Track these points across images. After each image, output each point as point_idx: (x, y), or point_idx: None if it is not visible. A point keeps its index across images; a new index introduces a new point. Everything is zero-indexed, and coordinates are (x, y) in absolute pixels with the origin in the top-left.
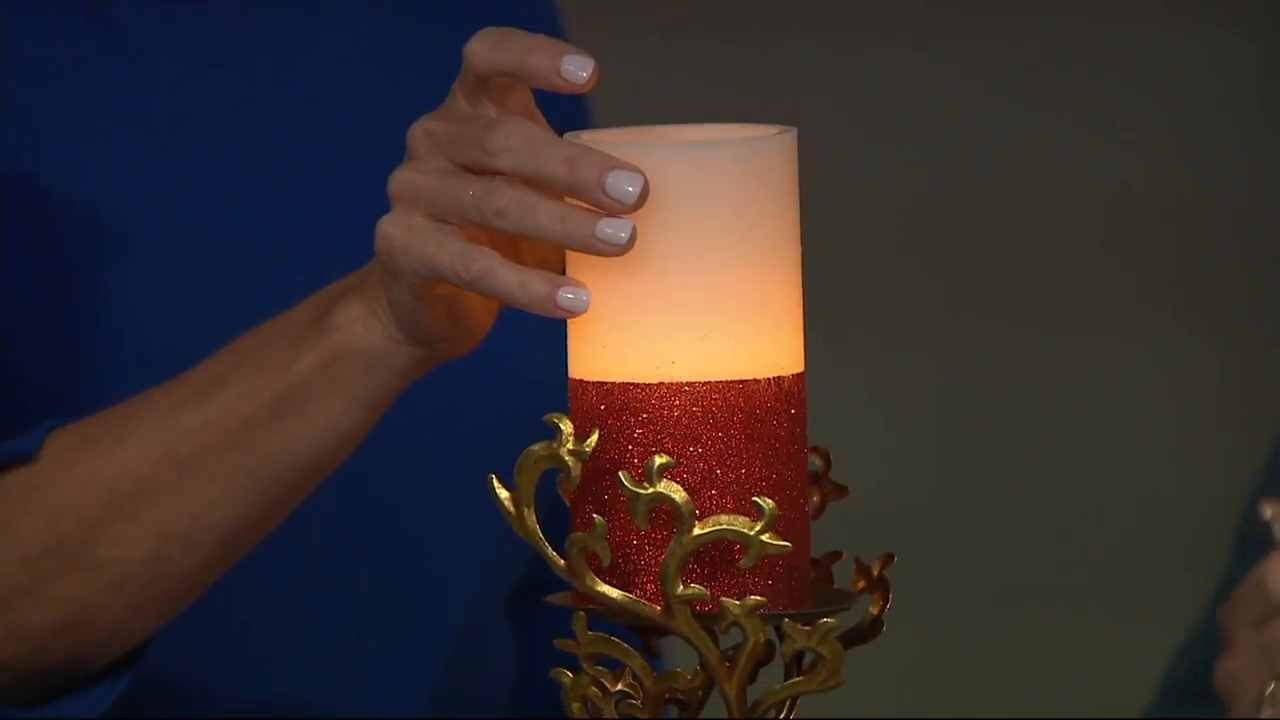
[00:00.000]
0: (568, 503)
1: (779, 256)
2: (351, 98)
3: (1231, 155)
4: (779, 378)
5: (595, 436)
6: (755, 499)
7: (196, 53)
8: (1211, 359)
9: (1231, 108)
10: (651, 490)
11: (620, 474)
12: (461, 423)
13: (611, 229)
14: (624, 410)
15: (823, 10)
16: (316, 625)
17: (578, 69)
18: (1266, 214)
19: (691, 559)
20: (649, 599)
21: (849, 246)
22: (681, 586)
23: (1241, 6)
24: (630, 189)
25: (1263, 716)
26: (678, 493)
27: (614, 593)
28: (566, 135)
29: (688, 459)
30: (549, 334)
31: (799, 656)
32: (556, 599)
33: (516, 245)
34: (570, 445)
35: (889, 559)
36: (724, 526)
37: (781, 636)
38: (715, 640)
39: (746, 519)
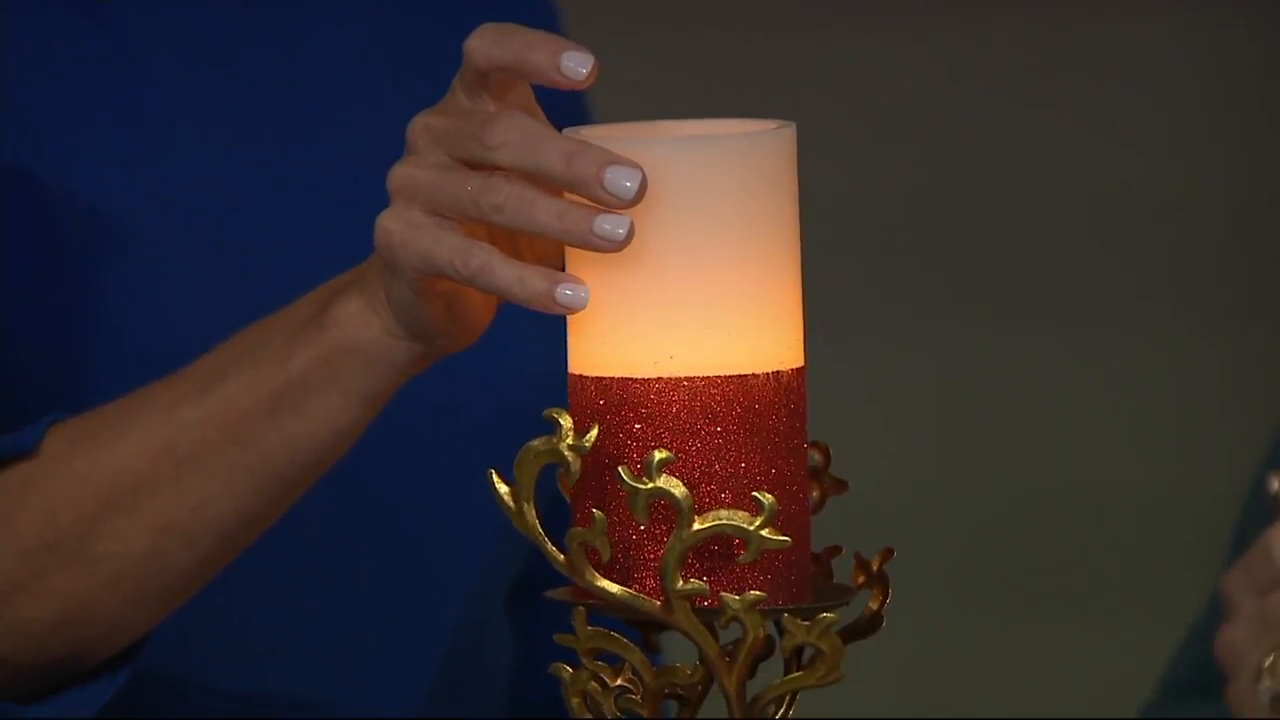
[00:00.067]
0: (567, 498)
1: (778, 251)
2: (351, 96)
3: (1231, 152)
4: (778, 373)
5: (595, 431)
6: (755, 494)
7: (196, 51)
8: (1211, 355)
9: (1231, 104)
10: (651, 485)
11: (620, 469)
12: (460, 418)
13: (609, 225)
14: (623, 405)
15: (822, 5)
16: (315, 620)
17: (577, 65)
18: (1266, 211)
19: (691, 554)
20: (649, 594)
21: (848, 242)
22: (681, 581)
23: (1241, 2)
24: (628, 184)
25: (1262, 686)
26: (677, 488)
27: (614, 588)
28: (565, 131)
29: (687, 454)
30: (548, 330)
31: (799, 651)
32: (556, 594)
33: (515, 241)
34: (570, 440)
35: (888, 554)
36: (724, 521)
37: (781, 631)
38: (715, 635)
39: (746, 514)
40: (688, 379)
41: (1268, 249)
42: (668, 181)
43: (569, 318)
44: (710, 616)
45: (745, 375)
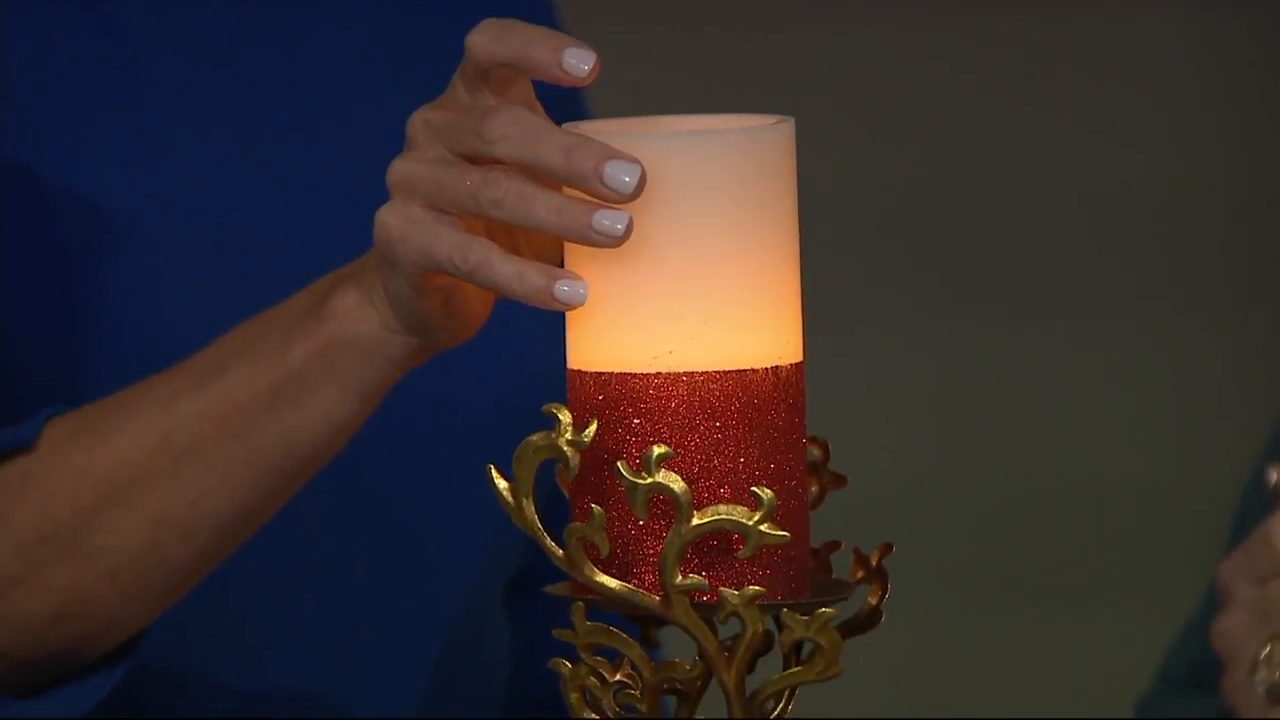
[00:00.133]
0: (566, 493)
1: (777, 246)
2: (351, 93)
3: (1229, 148)
4: (777, 368)
5: (594, 427)
6: (754, 489)
7: (196, 48)
8: (1209, 349)
9: (1230, 101)
10: (650, 480)
11: (619, 464)
12: (457, 414)
13: (608, 220)
14: (622, 400)
15: (822, 1)
16: (312, 615)
17: (579, 62)
18: (1265, 206)
19: (690, 549)
20: (648, 589)
21: (847, 237)
22: (680, 576)
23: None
24: (627, 179)
25: (1258, 678)
26: (676, 483)
27: (613, 583)
28: (565, 125)
29: (686, 449)
30: (545, 326)
31: (798, 646)
32: (555, 589)
33: (514, 236)
34: (569, 435)
35: (887, 549)
36: (723, 516)
37: (780, 626)
38: (714, 630)
39: (745, 509)
40: (686, 374)
41: (1266, 243)
42: (667, 176)
43: (568, 313)
44: (709, 611)
45: (744, 370)
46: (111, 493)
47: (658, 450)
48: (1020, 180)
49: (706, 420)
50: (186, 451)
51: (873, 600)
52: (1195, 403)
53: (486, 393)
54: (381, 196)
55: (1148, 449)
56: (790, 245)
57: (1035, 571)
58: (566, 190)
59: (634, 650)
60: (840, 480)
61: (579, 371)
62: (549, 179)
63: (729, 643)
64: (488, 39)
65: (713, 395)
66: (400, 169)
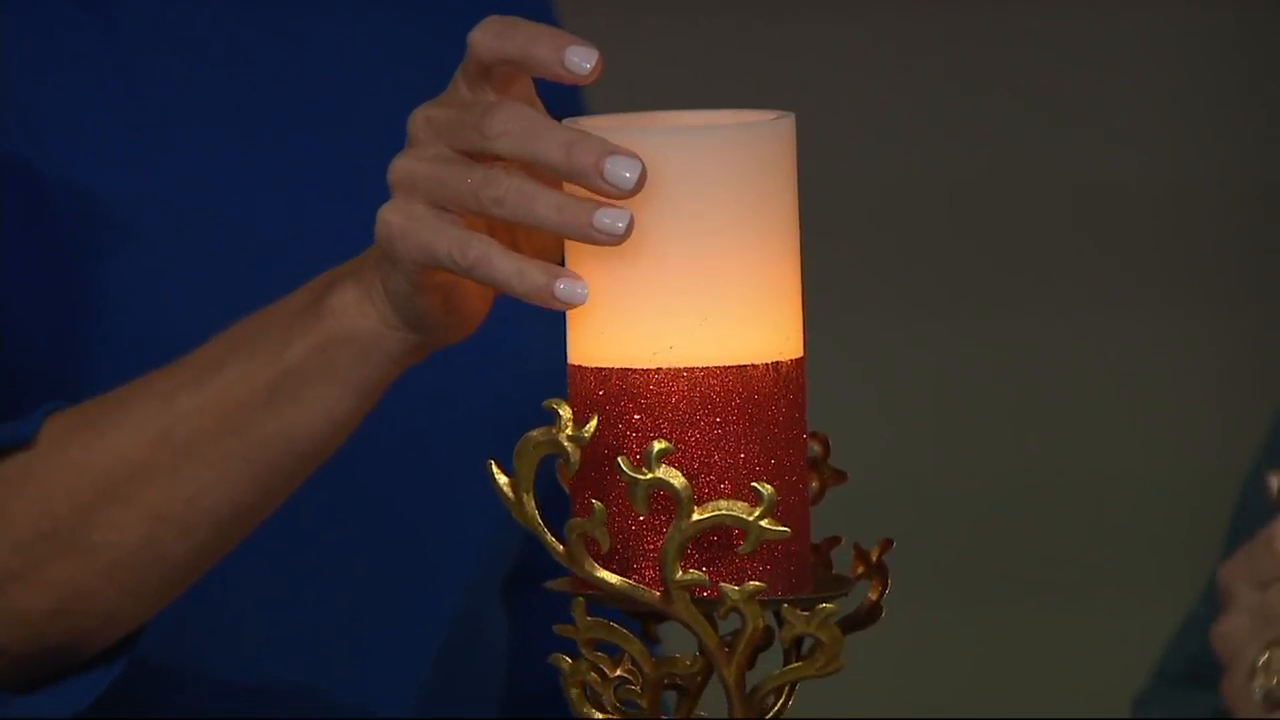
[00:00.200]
0: (567, 489)
1: (777, 242)
2: (351, 91)
3: (1225, 140)
4: (777, 363)
5: (594, 422)
6: (754, 484)
7: (196, 46)
8: (1207, 344)
9: (1224, 94)
10: (650, 475)
11: (619, 459)
12: (457, 409)
13: (609, 219)
14: (622, 396)
15: None
16: (311, 611)
17: (582, 60)
18: (1261, 199)
19: (690, 544)
20: (648, 584)
21: (847, 232)
22: (680, 572)
23: None
24: (628, 175)
25: (1255, 684)
26: (676, 478)
27: (613, 578)
28: (564, 121)
29: (686, 444)
30: (544, 322)
31: (798, 642)
32: (555, 585)
33: (514, 235)
34: (569, 431)
35: (888, 544)
36: (723, 512)
37: (780, 622)
38: (714, 625)
39: (745, 504)
40: (687, 370)
41: (1262, 237)
42: (668, 172)
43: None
44: (709, 607)
45: (744, 366)
46: (110, 488)
47: (658, 446)
48: (1019, 175)
49: (707, 416)
50: (185, 447)
51: (873, 596)
52: (1192, 397)
53: (485, 388)
54: (381, 194)
55: (1146, 443)
56: (790, 240)
57: (1035, 566)
58: (567, 189)
59: (634, 646)
60: (840, 476)
61: (579, 367)
62: (549, 175)
63: (729, 638)
64: (490, 36)
65: (713, 391)
66: (401, 167)
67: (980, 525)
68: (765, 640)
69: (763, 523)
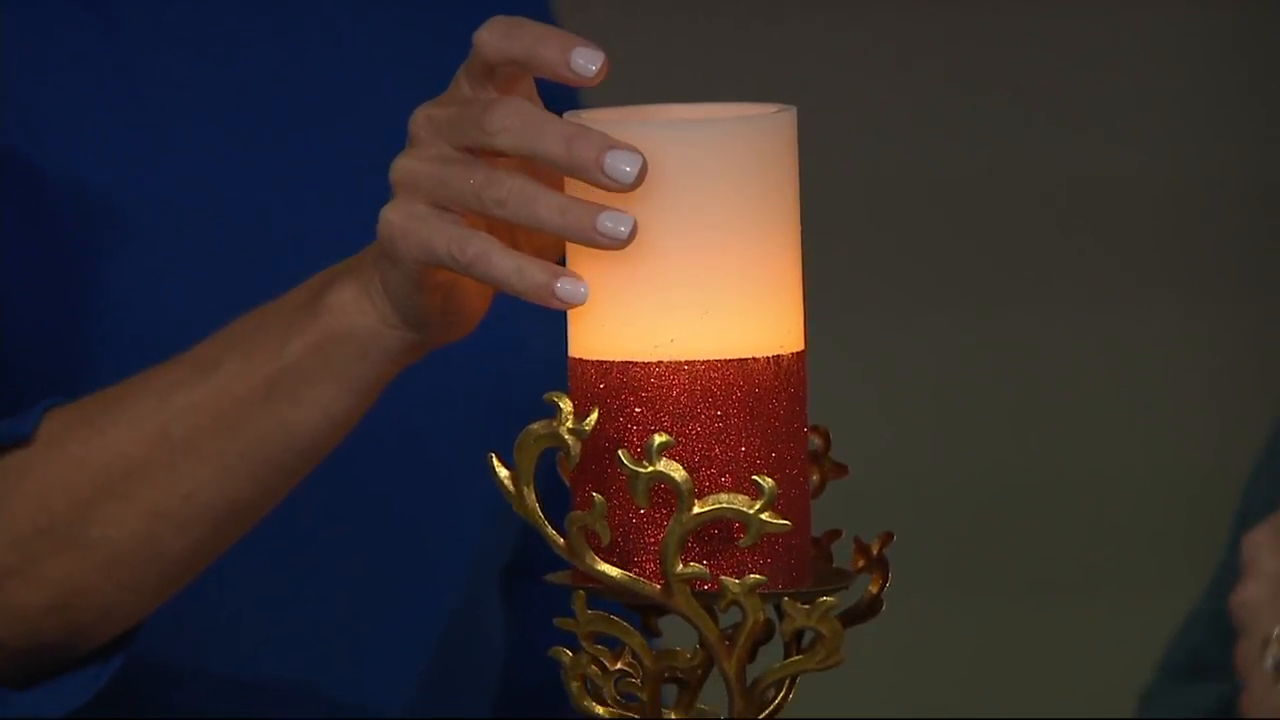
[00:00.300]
0: (567, 482)
1: (778, 235)
2: (352, 90)
3: (1226, 138)
4: (778, 356)
5: (595, 415)
6: (755, 477)
7: (196, 45)
8: (1208, 340)
9: (1224, 91)
10: (651, 469)
11: (620, 453)
12: (456, 404)
13: (612, 223)
14: (623, 389)
15: None
16: (309, 607)
17: (587, 62)
18: (1262, 195)
19: (691, 537)
20: (649, 578)
21: (849, 226)
22: (681, 565)
23: None
24: (628, 169)
25: (1270, 653)
26: (677, 471)
27: (614, 571)
28: (565, 115)
29: (687, 438)
30: (545, 316)
31: (798, 635)
32: (556, 578)
33: (514, 235)
34: (570, 424)
35: (888, 538)
36: (724, 505)
37: (781, 615)
38: (715, 619)
39: (746, 498)
40: (688, 363)
41: (1263, 234)
42: (669, 165)
43: None
44: (710, 600)
45: (745, 359)
46: (108, 485)
47: (659, 439)
48: (1020, 172)
49: (708, 409)
50: (182, 444)
51: (873, 589)
52: (1192, 393)
53: (485, 382)
54: (382, 193)
55: (1145, 438)
56: (791, 234)
57: (1035, 559)
58: (570, 191)
59: (635, 639)
60: (841, 469)
61: (580, 360)
62: (550, 172)
63: (730, 631)
64: (496, 36)
65: (714, 384)
66: (403, 166)
67: (981, 519)
68: (766, 633)
69: (763, 516)
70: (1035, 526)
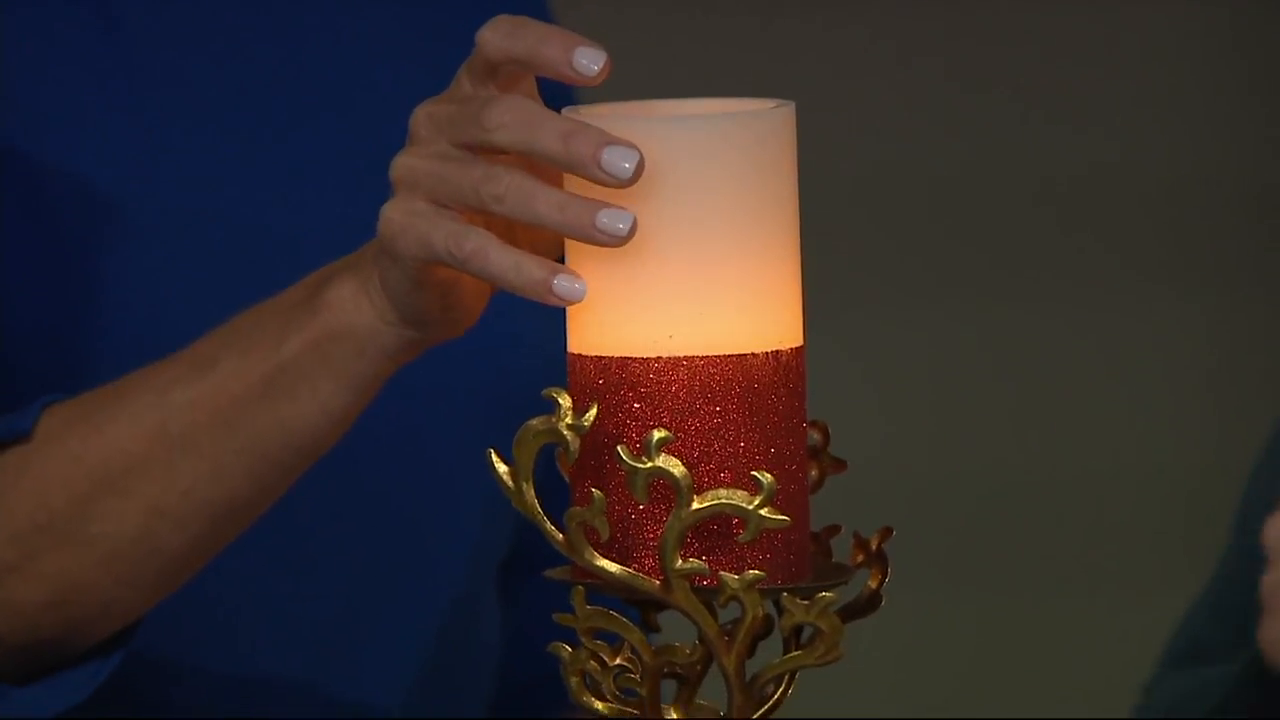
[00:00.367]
0: (566, 477)
1: (777, 231)
2: (352, 88)
3: (1225, 133)
4: (777, 352)
5: (594, 411)
6: (754, 473)
7: (197, 43)
8: (1207, 336)
9: (1223, 87)
10: (650, 464)
11: (619, 448)
12: (455, 399)
13: (610, 219)
14: (622, 385)
15: None
16: (308, 604)
17: (590, 62)
18: (1262, 191)
19: (690, 533)
20: (648, 573)
21: (846, 222)
22: (680, 561)
23: None
24: (625, 165)
25: None
26: (676, 467)
27: (613, 567)
28: (564, 110)
29: (686, 433)
30: (544, 311)
31: (798, 631)
32: (555, 573)
33: (514, 234)
34: (569, 420)
35: (887, 533)
36: (723, 501)
37: (780, 611)
38: (714, 614)
39: (745, 493)
40: (687, 358)
41: (1263, 231)
42: (668, 161)
43: None
44: (709, 596)
45: (744, 355)
46: (106, 481)
47: (658, 434)
48: (1020, 168)
49: (707, 405)
50: (180, 441)
51: (873, 584)
52: (1191, 390)
53: (484, 377)
54: (381, 192)
55: (1146, 436)
56: (791, 229)
57: (1035, 554)
58: (569, 187)
59: (634, 634)
60: (840, 464)
61: (579, 355)
62: (549, 168)
63: (729, 627)
64: (499, 35)
65: (713, 380)
66: (403, 164)
67: (980, 514)
68: (765, 629)
69: (762, 511)
70: (1035, 522)
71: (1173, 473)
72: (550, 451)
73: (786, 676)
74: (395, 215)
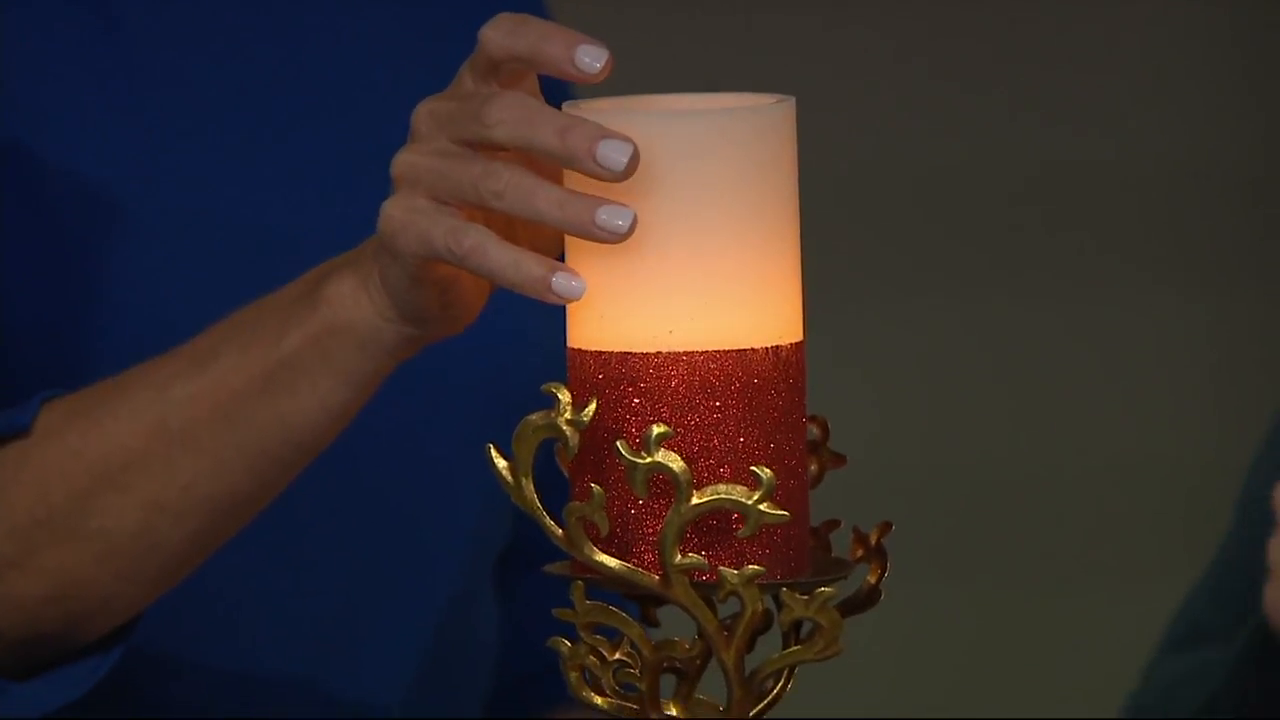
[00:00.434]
0: (566, 473)
1: (777, 226)
2: (352, 87)
3: (1224, 127)
4: (777, 347)
5: (593, 406)
6: (753, 468)
7: (197, 42)
8: (1205, 330)
9: (1221, 80)
10: (649, 459)
11: (618, 443)
12: (454, 394)
13: (610, 216)
14: (622, 380)
15: None
16: (307, 599)
17: (592, 60)
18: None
19: (690, 528)
20: (647, 568)
21: (845, 217)
22: (680, 556)
23: None
24: (620, 158)
25: None
26: (676, 462)
27: (612, 562)
28: (564, 105)
29: (686, 428)
30: (541, 310)
31: (797, 625)
32: (554, 568)
33: (514, 232)
34: (568, 415)
35: (887, 528)
36: (722, 496)
37: (779, 605)
38: (713, 609)
39: (745, 488)
40: (686, 354)
41: (1262, 224)
42: (668, 156)
43: None
44: (709, 591)
45: (744, 350)
46: (106, 475)
47: (657, 430)
48: (1019, 165)
49: (706, 400)
50: (180, 436)
51: (872, 579)
52: (1189, 380)
53: (483, 372)
54: (382, 188)
55: (1145, 430)
56: (790, 224)
57: (1034, 548)
58: (569, 184)
59: (633, 629)
60: (840, 459)
61: (579, 350)
62: (548, 164)
63: (728, 622)
64: (502, 33)
65: (713, 375)
66: (404, 161)
67: (980, 509)
68: (764, 624)
69: (762, 506)
70: (1035, 517)
71: (1170, 467)
72: (550, 447)
73: (786, 671)
74: (395, 212)
